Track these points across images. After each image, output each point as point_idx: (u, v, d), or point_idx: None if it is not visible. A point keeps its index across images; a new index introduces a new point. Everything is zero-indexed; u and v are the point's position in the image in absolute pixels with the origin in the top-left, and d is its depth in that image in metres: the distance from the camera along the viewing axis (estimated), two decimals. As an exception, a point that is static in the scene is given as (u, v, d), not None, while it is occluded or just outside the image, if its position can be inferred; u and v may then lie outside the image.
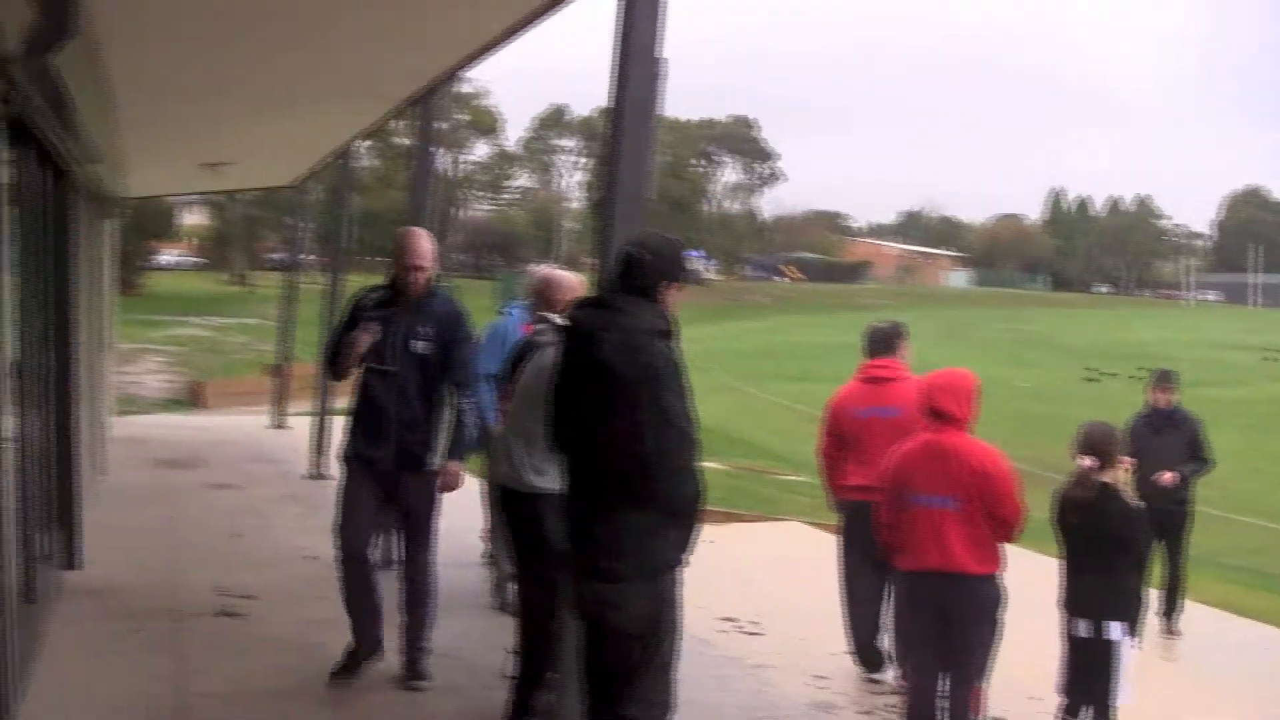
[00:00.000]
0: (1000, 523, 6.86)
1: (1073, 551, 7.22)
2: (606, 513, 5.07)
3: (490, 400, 8.50)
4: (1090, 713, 7.19)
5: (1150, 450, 10.70)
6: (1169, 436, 11.13)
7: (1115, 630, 7.08)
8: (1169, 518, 10.83)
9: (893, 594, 7.48)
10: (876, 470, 7.94)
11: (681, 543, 5.12)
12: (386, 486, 7.46)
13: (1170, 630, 11.09)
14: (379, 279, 7.69)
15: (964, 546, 6.83)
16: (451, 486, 7.63)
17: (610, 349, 5.01)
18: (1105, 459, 7.18)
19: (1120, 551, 7.17)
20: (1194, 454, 11.27)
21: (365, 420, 7.48)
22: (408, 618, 7.51)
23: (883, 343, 8.86)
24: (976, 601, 6.92)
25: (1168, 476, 10.81)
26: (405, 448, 7.39)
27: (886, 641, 8.52)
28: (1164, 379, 11.59)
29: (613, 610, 5.07)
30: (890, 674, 8.35)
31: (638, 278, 5.19)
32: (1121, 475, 7.35)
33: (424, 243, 7.43)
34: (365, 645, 7.54)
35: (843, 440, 8.86)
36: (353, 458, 7.52)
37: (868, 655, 8.73)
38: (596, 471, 5.12)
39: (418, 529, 7.56)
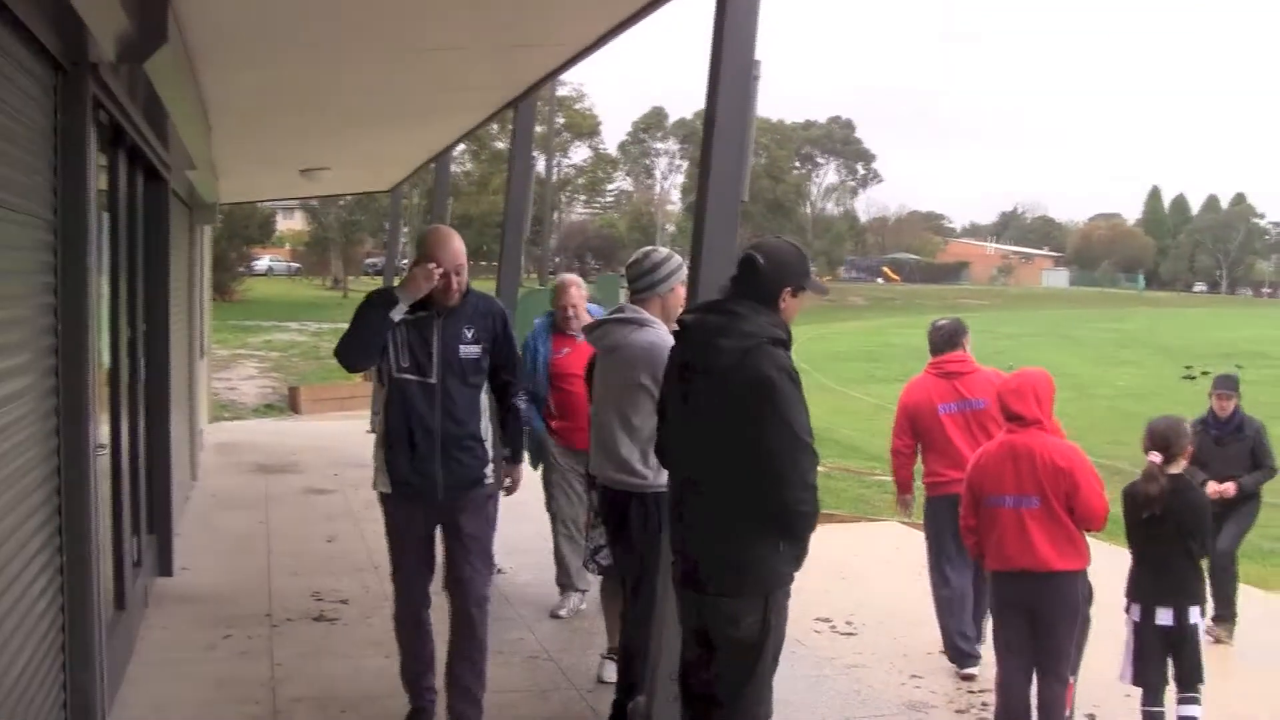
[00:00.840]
0: (1084, 518, 6.92)
1: (1147, 543, 7.46)
2: (722, 526, 4.95)
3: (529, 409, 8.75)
4: (1173, 698, 7.41)
5: (1212, 460, 10.29)
6: (1230, 447, 10.50)
7: (1195, 615, 7.43)
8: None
9: (988, 593, 7.42)
10: (964, 462, 8.01)
11: (794, 557, 5.02)
12: (439, 514, 6.66)
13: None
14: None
15: (1048, 544, 6.89)
16: (515, 489, 7.09)
17: (727, 356, 4.86)
18: (1173, 452, 7.45)
19: (1194, 539, 7.44)
20: (1257, 462, 10.60)
21: (406, 443, 6.56)
22: (461, 662, 6.76)
23: (949, 339, 8.97)
24: (1064, 598, 6.98)
25: (1227, 489, 10.19)
26: (457, 467, 6.57)
27: (984, 638, 8.48)
28: (1224, 384, 10.92)
29: (727, 625, 4.96)
30: (984, 672, 8.25)
31: (754, 283, 5.04)
32: (1184, 465, 7.59)
33: (459, 242, 6.62)
34: (424, 703, 6.88)
35: (922, 436, 8.98)
36: (396, 490, 6.65)
37: (959, 651, 8.71)
38: (711, 482, 4.99)
39: (475, 556, 6.70)
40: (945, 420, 8.78)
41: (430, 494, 6.57)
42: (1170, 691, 7.44)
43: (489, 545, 6.80)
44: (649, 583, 6.45)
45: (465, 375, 6.56)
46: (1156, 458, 7.38)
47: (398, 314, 6.47)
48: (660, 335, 6.37)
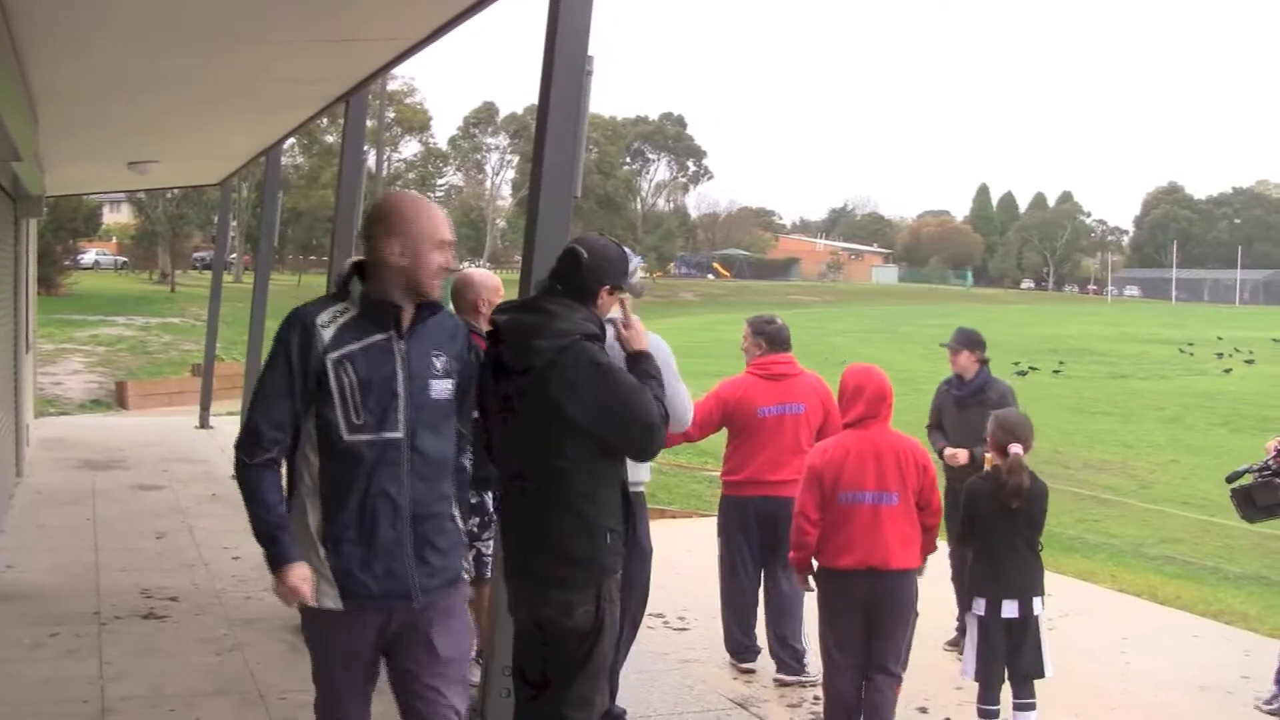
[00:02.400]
0: (934, 512, 7.09)
1: (994, 536, 7.44)
2: (549, 520, 4.97)
3: None
4: (1009, 692, 7.48)
5: (951, 424, 9.67)
6: (970, 410, 9.32)
7: (1039, 605, 7.46)
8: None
9: (819, 591, 7.43)
10: (784, 467, 8.14)
11: (620, 547, 5.08)
12: (394, 630, 4.64)
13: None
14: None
15: (899, 542, 6.98)
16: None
17: (542, 357, 4.87)
18: (1029, 444, 7.49)
19: (1037, 530, 7.51)
20: None
21: (364, 534, 4.49)
22: None
23: (781, 338, 8.86)
24: (907, 595, 7.10)
25: (959, 455, 9.33)
26: (436, 558, 4.61)
27: (804, 637, 8.58)
28: (961, 340, 9.76)
29: (561, 616, 4.97)
30: (812, 668, 8.33)
31: (575, 278, 5.07)
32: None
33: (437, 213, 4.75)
34: None
35: (735, 435, 8.88)
36: (350, 604, 4.54)
37: (742, 648, 8.83)
38: (536, 479, 5.00)
39: (453, 686, 4.74)
40: (765, 422, 8.68)
41: (401, 603, 4.58)
42: (1006, 693, 7.51)
43: (464, 666, 4.90)
44: None
45: (437, 423, 4.63)
46: (1018, 449, 7.38)
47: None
48: None
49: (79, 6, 6.95)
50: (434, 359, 4.63)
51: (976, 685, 7.52)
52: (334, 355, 4.46)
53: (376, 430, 4.49)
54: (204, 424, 19.77)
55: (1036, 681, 7.48)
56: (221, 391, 20.69)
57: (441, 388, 4.64)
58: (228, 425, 17.41)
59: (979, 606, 7.44)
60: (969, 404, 9.48)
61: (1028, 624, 7.39)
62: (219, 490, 13.90)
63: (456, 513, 4.79)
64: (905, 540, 6.99)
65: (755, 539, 8.69)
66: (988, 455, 7.75)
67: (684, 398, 6.43)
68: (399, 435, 4.52)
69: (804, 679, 8.43)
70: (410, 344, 4.58)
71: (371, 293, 4.55)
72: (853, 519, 6.98)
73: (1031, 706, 7.45)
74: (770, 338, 8.82)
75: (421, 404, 4.57)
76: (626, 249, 5.30)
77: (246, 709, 7.13)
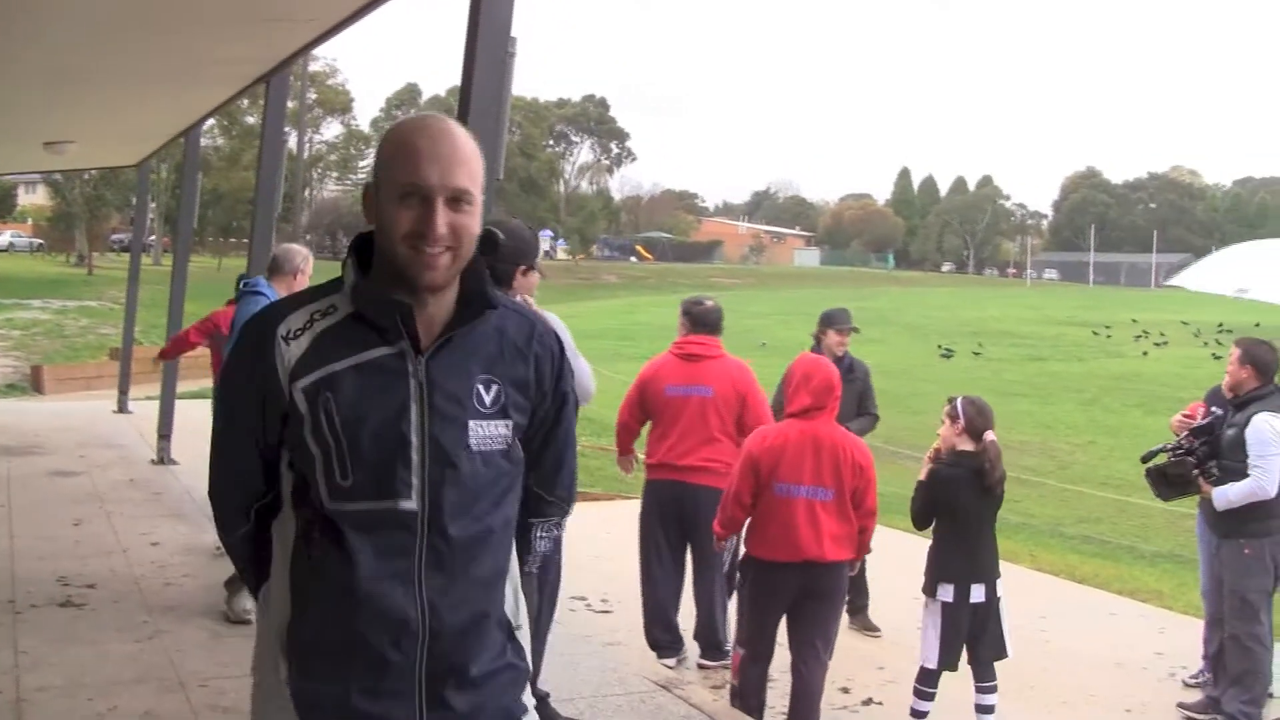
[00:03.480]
0: (868, 513, 7.12)
1: (960, 522, 7.50)
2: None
3: None
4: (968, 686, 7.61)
5: None
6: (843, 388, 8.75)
7: (1000, 587, 7.59)
8: None
9: (745, 580, 7.44)
10: (691, 453, 8.12)
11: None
12: None
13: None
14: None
15: (833, 536, 7.02)
16: None
17: None
18: (994, 430, 7.58)
19: (995, 514, 7.64)
20: (863, 408, 9.93)
21: (351, 656, 2.86)
22: None
23: (709, 321, 8.78)
24: (839, 586, 7.22)
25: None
26: (457, 698, 2.91)
27: (723, 624, 8.63)
28: (836, 319, 9.97)
29: None
30: (728, 653, 8.34)
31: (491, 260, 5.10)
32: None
33: (467, 142, 2.91)
34: None
35: (650, 416, 8.88)
36: None
37: (664, 638, 8.83)
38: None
39: None
40: (671, 401, 8.66)
41: None
42: (963, 678, 7.61)
43: None
44: None
45: (479, 490, 2.94)
46: (992, 435, 7.47)
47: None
48: None
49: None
50: (478, 387, 2.92)
51: (906, 667, 7.66)
52: (306, 381, 2.84)
53: (372, 496, 2.82)
54: (122, 408, 19.53)
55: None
56: (140, 376, 20.44)
57: (490, 433, 2.92)
58: (147, 409, 17.22)
59: (945, 593, 7.46)
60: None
61: (990, 606, 7.47)
62: (136, 476, 13.74)
63: (515, 615, 3.07)
64: (838, 535, 7.01)
65: (672, 527, 8.67)
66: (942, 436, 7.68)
67: (585, 372, 6.35)
68: (411, 506, 2.83)
69: (727, 664, 8.46)
70: (436, 362, 2.88)
71: (367, 284, 2.91)
72: (787, 510, 7.00)
73: (994, 689, 7.56)
74: (695, 319, 8.78)
75: (451, 458, 2.85)
76: (547, 230, 5.38)
77: (166, 696, 7.03)
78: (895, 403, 8.54)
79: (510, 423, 2.95)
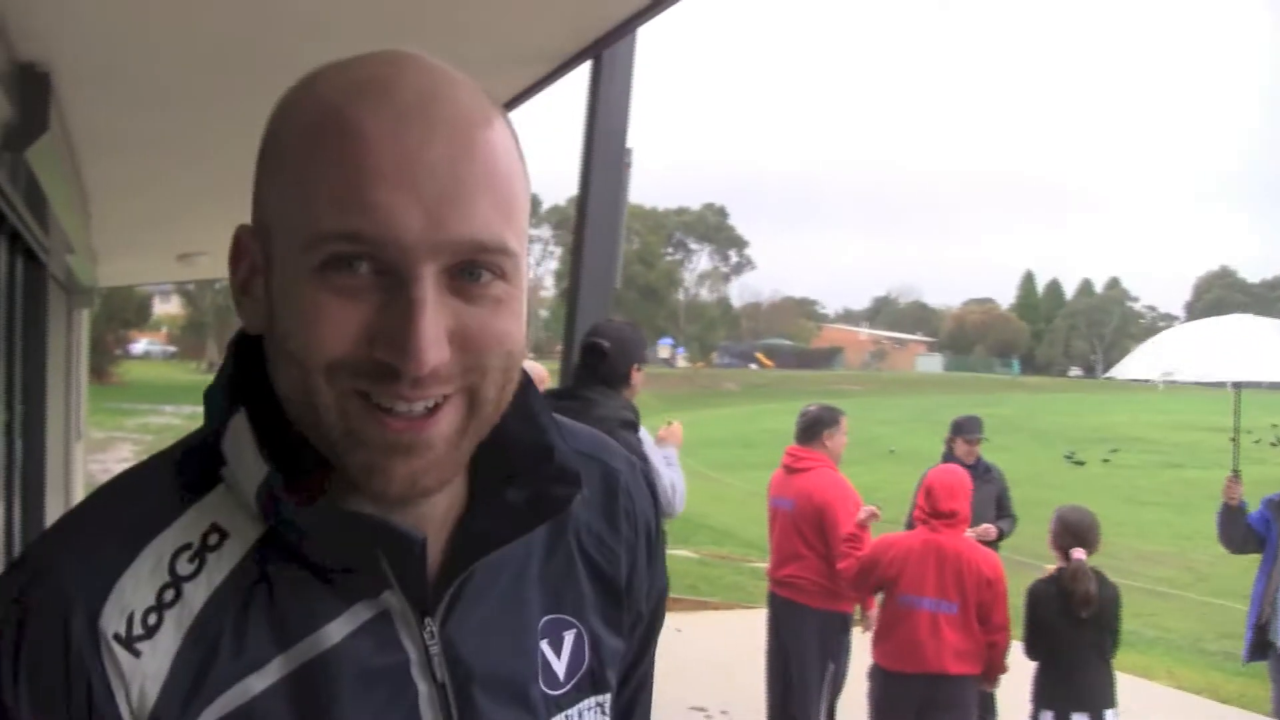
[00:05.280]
0: (997, 628, 6.93)
1: (1060, 644, 7.08)
2: None
3: None
4: None
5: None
6: (979, 490, 8.85)
7: (1110, 718, 7.09)
8: None
9: (871, 688, 7.29)
10: (781, 566, 8.20)
11: None
12: None
13: None
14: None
15: (955, 650, 6.88)
16: None
17: None
18: (1092, 545, 7.20)
19: (1109, 637, 7.15)
20: (1002, 510, 9.85)
21: None
22: None
23: (804, 430, 8.58)
24: (965, 700, 7.01)
25: (988, 530, 9.25)
26: None
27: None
28: (966, 428, 10.05)
29: None
30: None
31: (604, 367, 5.18)
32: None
33: (489, 132, 1.18)
34: None
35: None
36: None
37: None
38: None
39: None
40: (771, 513, 8.57)
41: None
42: None
43: None
44: None
45: None
46: (1081, 554, 7.07)
47: None
48: None
49: (132, 107, 7.09)
50: (543, 647, 1.39)
51: None
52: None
53: None
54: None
55: None
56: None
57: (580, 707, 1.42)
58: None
59: (1046, 719, 7.12)
60: (976, 485, 9.06)
61: None
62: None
63: None
64: (962, 650, 6.87)
65: (774, 638, 8.57)
66: (1056, 560, 7.30)
67: (679, 490, 6.03)
68: None
69: None
70: (459, 620, 1.30)
71: (299, 487, 1.25)
72: (910, 621, 6.90)
73: None
74: (798, 428, 8.70)
75: None
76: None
77: None
78: (1024, 511, 8.38)
79: (605, 698, 1.46)
